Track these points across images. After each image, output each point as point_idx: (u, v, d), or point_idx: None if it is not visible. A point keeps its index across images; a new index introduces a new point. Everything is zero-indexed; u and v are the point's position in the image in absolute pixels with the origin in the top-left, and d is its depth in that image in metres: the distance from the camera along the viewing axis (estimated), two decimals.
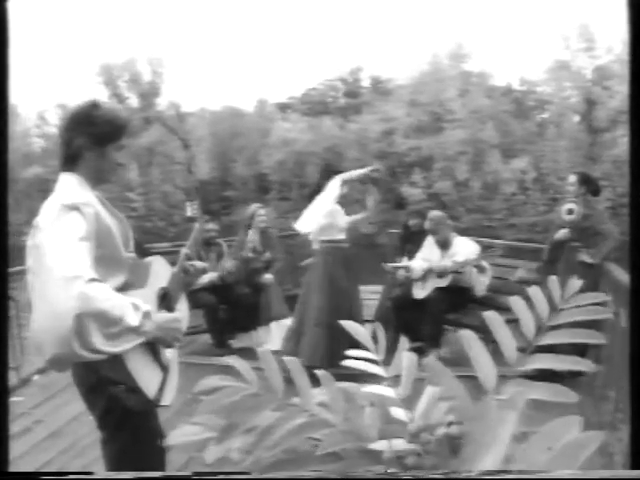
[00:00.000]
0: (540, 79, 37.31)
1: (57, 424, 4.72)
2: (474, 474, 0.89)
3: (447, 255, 6.43)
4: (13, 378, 5.30)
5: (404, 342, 1.29)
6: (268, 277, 7.11)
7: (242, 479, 0.98)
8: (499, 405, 0.88)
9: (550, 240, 6.00)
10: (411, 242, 7.01)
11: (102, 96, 36.94)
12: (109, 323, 2.05)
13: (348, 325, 1.29)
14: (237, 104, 48.63)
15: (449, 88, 35.83)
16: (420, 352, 6.31)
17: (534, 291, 1.19)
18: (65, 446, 4.38)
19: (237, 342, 7.06)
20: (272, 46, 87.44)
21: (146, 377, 2.36)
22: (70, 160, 2.37)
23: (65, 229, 2.11)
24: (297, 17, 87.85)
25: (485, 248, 6.57)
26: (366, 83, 45.50)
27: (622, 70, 32.08)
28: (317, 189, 5.92)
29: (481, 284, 6.30)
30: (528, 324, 1.11)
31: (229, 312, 6.98)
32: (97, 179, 2.40)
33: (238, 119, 41.24)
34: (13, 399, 5.12)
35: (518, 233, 28.17)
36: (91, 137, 2.34)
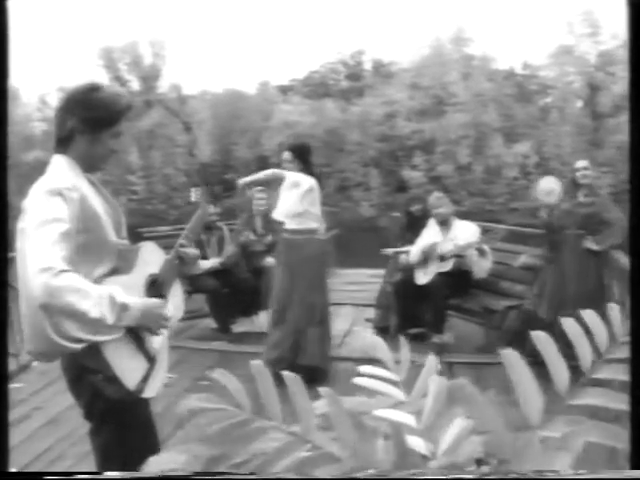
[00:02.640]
0: (543, 64, 37.21)
1: (55, 411, 4.70)
2: (477, 475, 0.85)
3: (448, 239, 6.40)
4: (12, 364, 5.27)
5: (432, 360, 1.09)
6: (270, 260, 7.06)
7: (243, 479, 0.93)
8: (546, 443, 0.78)
9: (544, 225, 5.95)
10: (413, 228, 6.98)
11: (103, 79, 36.85)
12: (76, 316, 2.01)
13: (366, 338, 1.16)
14: (239, 86, 48.56)
15: (451, 71, 35.74)
16: (422, 338, 6.31)
17: (591, 317, 1.01)
18: (63, 434, 4.35)
19: (238, 326, 7.05)
20: (274, 28, 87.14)
21: (126, 367, 2.29)
22: (62, 142, 2.30)
23: (44, 216, 2.05)
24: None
25: (486, 231, 6.55)
26: (368, 66, 45.32)
27: (626, 55, 31.92)
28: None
29: (482, 267, 6.27)
30: (585, 354, 0.95)
31: (231, 296, 6.96)
32: (89, 164, 2.32)
33: (240, 101, 41.09)
34: (12, 385, 5.10)
35: (520, 217, 28.09)
36: (85, 121, 2.26)
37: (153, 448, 2.53)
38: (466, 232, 6.36)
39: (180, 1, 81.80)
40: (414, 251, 6.49)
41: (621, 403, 0.90)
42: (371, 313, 7.33)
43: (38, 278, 1.93)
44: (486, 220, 8.40)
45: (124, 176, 34.25)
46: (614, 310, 1.01)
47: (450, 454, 0.89)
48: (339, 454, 0.86)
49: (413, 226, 6.99)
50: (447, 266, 6.27)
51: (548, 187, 5.68)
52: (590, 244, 5.46)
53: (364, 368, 1.09)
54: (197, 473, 0.94)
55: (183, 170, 38.08)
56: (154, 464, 0.97)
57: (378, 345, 1.13)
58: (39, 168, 2.35)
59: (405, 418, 0.97)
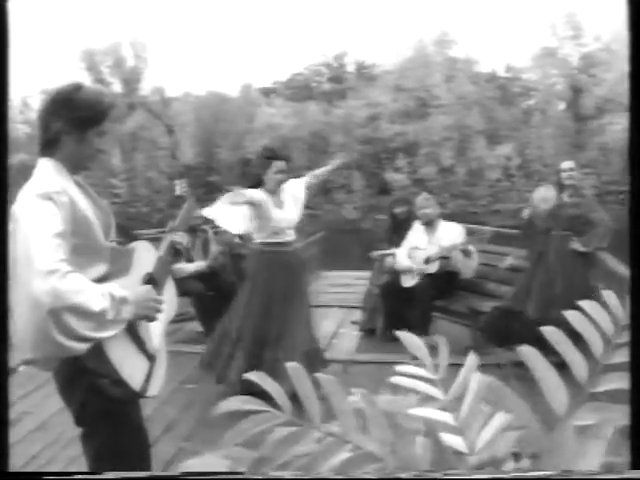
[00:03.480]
0: (526, 66, 37.38)
1: (45, 415, 4.67)
2: (476, 474, 0.84)
3: (433, 240, 6.42)
4: None
5: (471, 360, 1.07)
6: None
7: (232, 479, 0.92)
8: (579, 433, 0.78)
9: (523, 226, 6.00)
10: (398, 230, 6.99)
11: (85, 81, 36.69)
12: (84, 316, 2.01)
13: (403, 336, 1.15)
14: (222, 89, 48.35)
15: (434, 74, 35.83)
16: None
17: (592, 305, 1.02)
18: (53, 438, 4.32)
19: None
20: (257, 30, 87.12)
21: (130, 368, 2.30)
22: (48, 145, 2.28)
23: (39, 221, 2.05)
24: (282, 1, 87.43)
25: (472, 233, 6.57)
26: (351, 68, 45.40)
27: (609, 58, 32.20)
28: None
29: (468, 268, 6.30)
30: (595, 342, 0.97)
31: (216, 299, 6.92)
32: (76, 165, 2.31)
33: (223, 104, 41.03)
34: None
35: (502, 219, 28.22)
36: (70, 121, 2.24)
37: (145, 450, 2.53)
38: (451, 233, 6.39)
39: (163, 3, 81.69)
40: (400, 255, 6.50)
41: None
42: (357, 315, 7.34)
43: (44, 283, 1.92)
44: (469, 222, 8.42)
45: (107, 179, 34.10)
46: (611, 297, 1.04)
47: (488, 449, 0.89)
48: (380, 454, 0.87)
49: (398, 228, 7.01)
50: (433, 268, 6.29)
51: (544, 195, 5.72)
52: (576, 245, 5.49)
53: (401, 367, 1.08)
54: (198, 473, 0.92)
55: (166, 173, 37.96)
56: (193, 466, 0.95)
57: (416, 344, 1.12)
58: (23, 171, 2.32)
59: (443, 416, 0.96)
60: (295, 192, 5.21)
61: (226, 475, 0.91)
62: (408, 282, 6.42)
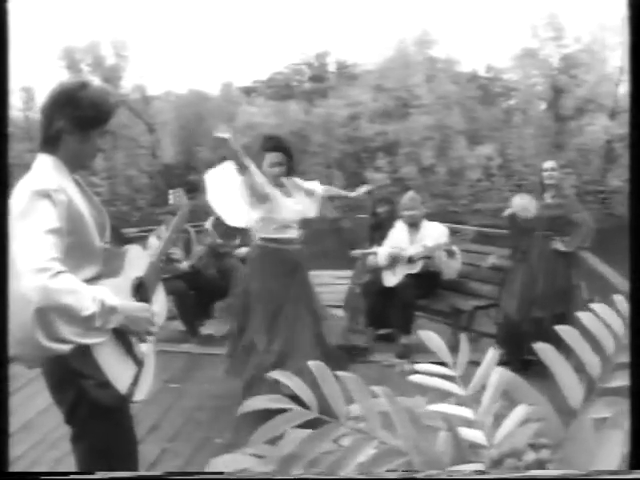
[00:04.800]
0: (507, 66, 37.49)
1: (28, 416, 4.63)
2: (475, 475, 0.85)
3: (416, 240, 6.41)
4: None
5: (492, 354, 1.10)
6: (235, 263, 7.04)
7: (217, 479, 0.92)
8: (596, 425, 0.81)
9: (507, 225, 6.04)
10: (380, 229, 7.00)
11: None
12: (71, 319, 2.00)
13: (424, 335, 1.16)
14: (202, 88, 48.16)
15: (415, 74, 35.87)
16: (390, 339, 6.33)
17: (592, 321, 1.03)
18: (37, 439, 4.28)
19: (206, 328, 7.01)
20: (238, 29, 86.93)
21: (117, 371, 2.27)
22: (49, 141, 2.25)
23: (34, 219, 2.03)
24: (263, 0, 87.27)
25: (454, 233, 6.58)
26: (332, 68, 45.35)
27: (589, 59, 32.43)
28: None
29: (450, 268, 6.31)
30: (591, 362, 0.97)
31: (198, 298, 6.92)
32: (76, 164, 2.30)
33: (203, 103, 40.92)
34: None
35: (483, 219, 28.32)
36: (74, 120, 2.22)
37: (133, 452, 2.52)
38: (435, 233, 6.38)
39: (143, 1, 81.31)
40: (381, 253, 6.49)
41: None
42: (339, 314, 7.34)
43: (34, 280, 1.90)
44: (449, 221, 8.44)
45: (87, 177, 33.92)
46: (622, 302, 1.07)
47: (508, 441, 0.91)
48: (404, 449, 0.88)
49: (380, 227, 7.02)
50: (416, 267, 6.28)
51: (523, 204, 5.73)
52: (558, 245, 5.53)
53: (421, 366, 1.10)
54: (197, 473, 0.92)
55: (146, 172, 37.83)
56: (220, 465, 0.94)
57: (436, 342, 1.15)
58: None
59: (463, 412, 0.99)
60: (312, 188, 5.09)
61: (207, 475, 0.92)
62: (390, 281, 6.41)
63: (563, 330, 1.01)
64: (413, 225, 6.53)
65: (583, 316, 1.04)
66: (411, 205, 6.56)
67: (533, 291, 5.59)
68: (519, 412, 0.94)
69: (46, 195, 2.08)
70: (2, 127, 1.72)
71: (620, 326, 1.02)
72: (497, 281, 6.29)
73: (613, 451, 0.76)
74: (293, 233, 4.92)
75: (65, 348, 2.06)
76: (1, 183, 1.74)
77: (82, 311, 1.98)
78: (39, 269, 1.93)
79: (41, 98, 2.36)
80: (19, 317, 1.97)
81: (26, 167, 2.21)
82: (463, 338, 1.15)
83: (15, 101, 39.20)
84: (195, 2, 76.26)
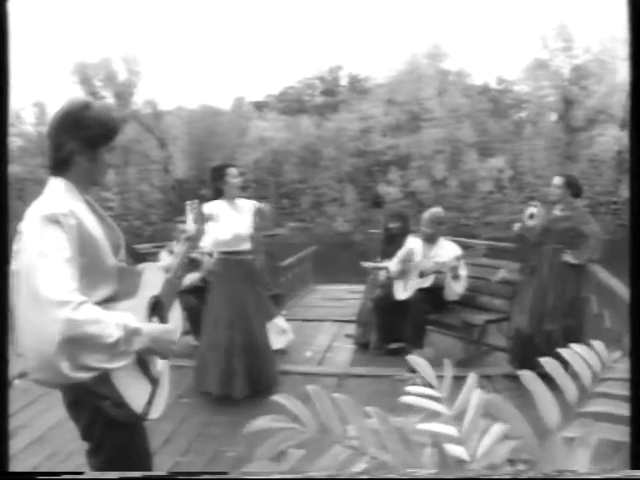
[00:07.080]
0: (518, 78, 37.61)
1: (41, 430, 4.61)
2: (474, 474, 0.89)
3: (429, 255, 6.42)
4: None
5: (472, 379, 1.20)
6: None
7: (219, 479, 0.94)
8: (568, 444, 0.87)
9: (516, 239, 6.04)
10: (392, 244, 6.99)
11: (78, 95, 36.59)
12: (96, 347, 2.00)
13: (412, 360, 1.24)
14: (214, 102, 48.47)
15: (427, 87, 35.97)
16: (402, 353, 6.32)
17: (572, 356, 1.15)
18: (49, 452, 4.28)
19: None
20: (250, 44, 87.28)
21: (133, 391, 2.28)
22: (60, 164, 2.25)
23: (47, 246, 2.03)
24: (276, 15, 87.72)
25: (466, 248, 6.58)
26: (344, 82, 45.53)
27: (599, 69, 32.39)
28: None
29: (451, 290, 6.28)
30: (570, 391, 1.07)
31: None
32: (88, 182, 2.30)
33: (215, 117, 41.11)
34: None
35: (494, 231, 28.32)
36: (83, 140, 2.23)
37: (148, 464, 2.54)
38: (448, 251, 6.38)
39: (155, 17, 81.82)
40: (394, 261, 6.51)
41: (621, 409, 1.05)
42: (351, 329, 7.34)
43: (57, 313, 1.91)
44: (462, 235, 8.45)
45: (99, 192, 34.07)
46: (598, 344, 1.18)
47: (488, 457, 1.00)
48: (393, 463, 0.97)
49: (391, 243, 7.01)
50: (427, 282, 6.28)
51: (531, 210, 5.75)
52: (568, 258, 5.51)
53: (411, 388, 1.19)
54: (199, 473, 0.94)
55: (158, 187, 38.00)
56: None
57: (422, 366, 1.23)
58: (15, 184, 2.31)
59: (447, 429, 1.08)
60: (250, 207, 5.56)
61: (228, 475, 0.94)
62: (401, 295, 6.42)
63: (545, 362, 1.10)
64: (430, 240, 6.53)
65: (564, 352, 1.14)
66: (437, 220, 6.56)
67: (543, 304, 5.58)
68: (496, 430, 1.03)
69: (55, 220, 2.08)
70: (2, 128, 1.74)
71: (596, 362, 1.13)
72: (508, 295, 6.31)
73: (580, 467, 0.84)
74: (245, 246, 5.50)
75: (88, 376, 2.07)
76: (1, 187, 1.76)
77: (107, 338, 1.99)
78: (61, 302, 1.92)
79: (53, 113, 2.38)
80: (40, 347, 1.95)
81: (39, 182, 2.22)
82: (447, 363, 1.25)
83: (28, 116, 39.49)
84: (207, 17, 76.69)
